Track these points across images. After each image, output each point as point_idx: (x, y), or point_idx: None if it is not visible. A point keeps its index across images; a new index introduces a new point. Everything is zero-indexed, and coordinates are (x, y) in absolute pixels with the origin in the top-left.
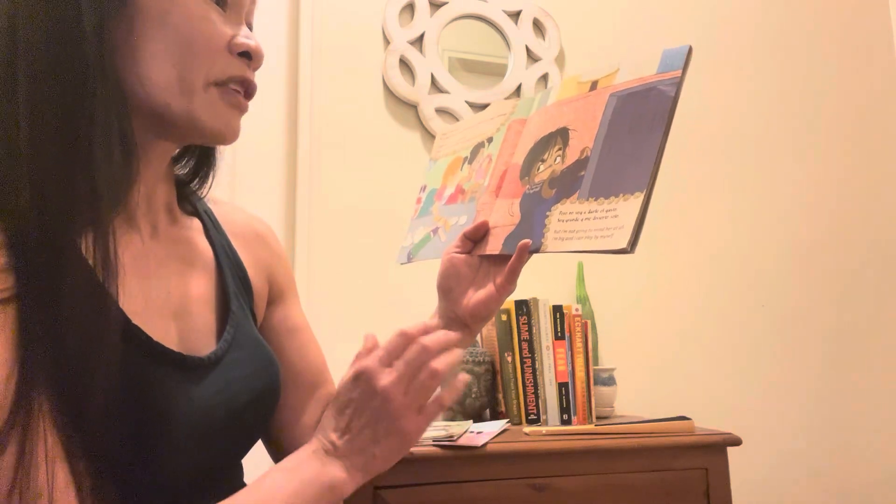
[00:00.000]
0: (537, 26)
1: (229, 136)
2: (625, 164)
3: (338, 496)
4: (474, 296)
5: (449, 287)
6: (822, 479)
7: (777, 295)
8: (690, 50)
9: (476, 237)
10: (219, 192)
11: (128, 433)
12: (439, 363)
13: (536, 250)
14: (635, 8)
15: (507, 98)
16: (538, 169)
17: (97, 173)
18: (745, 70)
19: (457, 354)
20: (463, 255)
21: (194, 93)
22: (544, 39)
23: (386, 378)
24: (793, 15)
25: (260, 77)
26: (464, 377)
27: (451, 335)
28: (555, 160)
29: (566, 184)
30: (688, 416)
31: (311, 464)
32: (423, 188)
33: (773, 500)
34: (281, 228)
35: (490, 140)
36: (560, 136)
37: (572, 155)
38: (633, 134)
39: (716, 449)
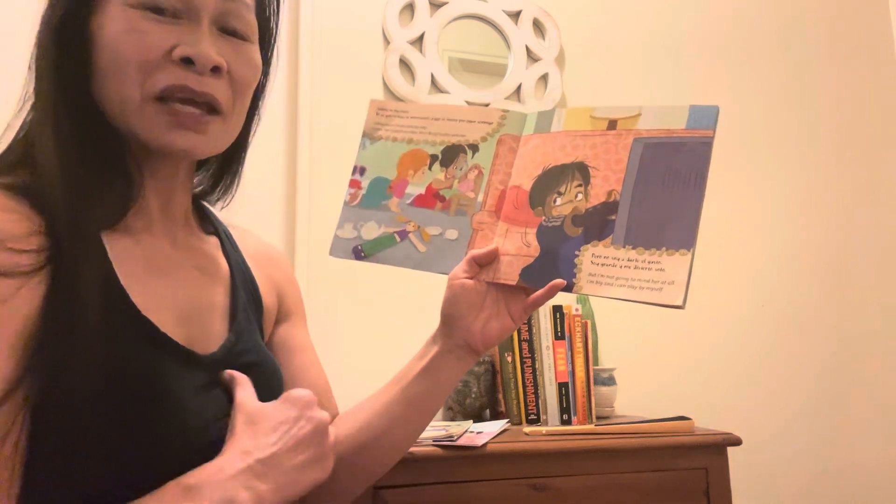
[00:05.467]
0: (537, 26)
1: (173, 152)
2: (664, 217)
3: None
4: (487, 324)
5: (460, 314)
6: (821, 479)
7: (777, 295)
8: (718, 111)
9: (486, 262)
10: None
11: (128, 419)
12: None
13: (569, 290)
14: (635, 8)
15: (506, 98)
16: (554, 201)
17: (96, 184)
18: (745, 70)
19: None
20: (472, 281)
21: (132, 110)
22: (544, 39)
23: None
24: (791, 14)
25: None
26: None
27: None
28: (575, 196)
29: (594, 225)
30: (688, 416)
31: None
32: (361, 170)
33: (773, 500)
34: (281, 228)
35: (474, 148)
36: (578, 171)
37: (597, 195)
38: (669, 188)
39: (716, 449)
